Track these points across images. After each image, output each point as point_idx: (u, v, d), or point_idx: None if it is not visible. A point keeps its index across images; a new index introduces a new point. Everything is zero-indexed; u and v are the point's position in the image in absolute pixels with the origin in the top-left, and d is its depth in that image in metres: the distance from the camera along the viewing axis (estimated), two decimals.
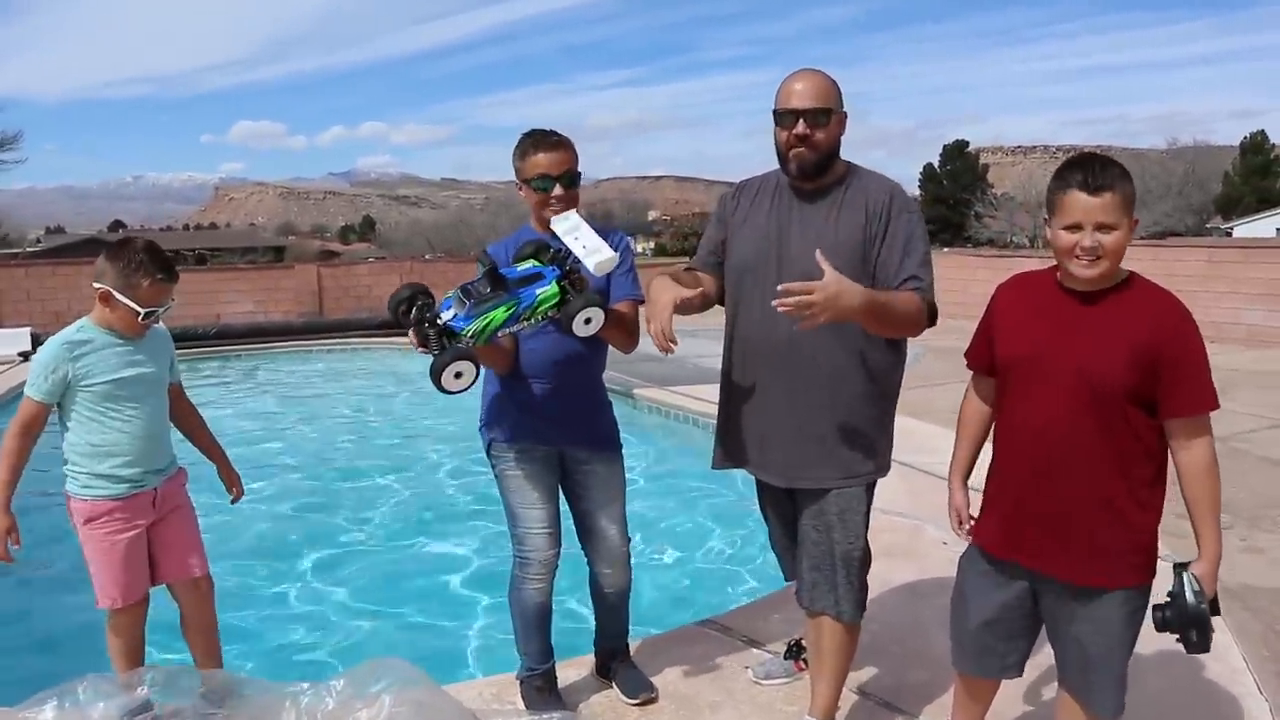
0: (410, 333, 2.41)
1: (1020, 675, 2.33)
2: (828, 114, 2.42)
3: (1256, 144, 51.34)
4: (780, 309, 2.10)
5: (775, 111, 2.46)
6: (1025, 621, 2.24)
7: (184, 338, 12.67)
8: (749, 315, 2.52)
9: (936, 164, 61.14)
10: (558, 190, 2.65)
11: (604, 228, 2.60)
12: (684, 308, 2.44)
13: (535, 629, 2.86)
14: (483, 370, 2.43)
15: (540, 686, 2.89)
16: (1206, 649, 2.04)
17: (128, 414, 2.70)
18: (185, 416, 2.97)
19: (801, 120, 2.40)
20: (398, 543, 5.28)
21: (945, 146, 61.70)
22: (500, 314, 2.37)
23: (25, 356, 11.48)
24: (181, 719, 2.43)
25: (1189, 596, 2.01)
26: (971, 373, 2.35)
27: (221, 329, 13.26)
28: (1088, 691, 2.15)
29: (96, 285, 2.65)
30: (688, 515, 5.45)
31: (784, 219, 2.50)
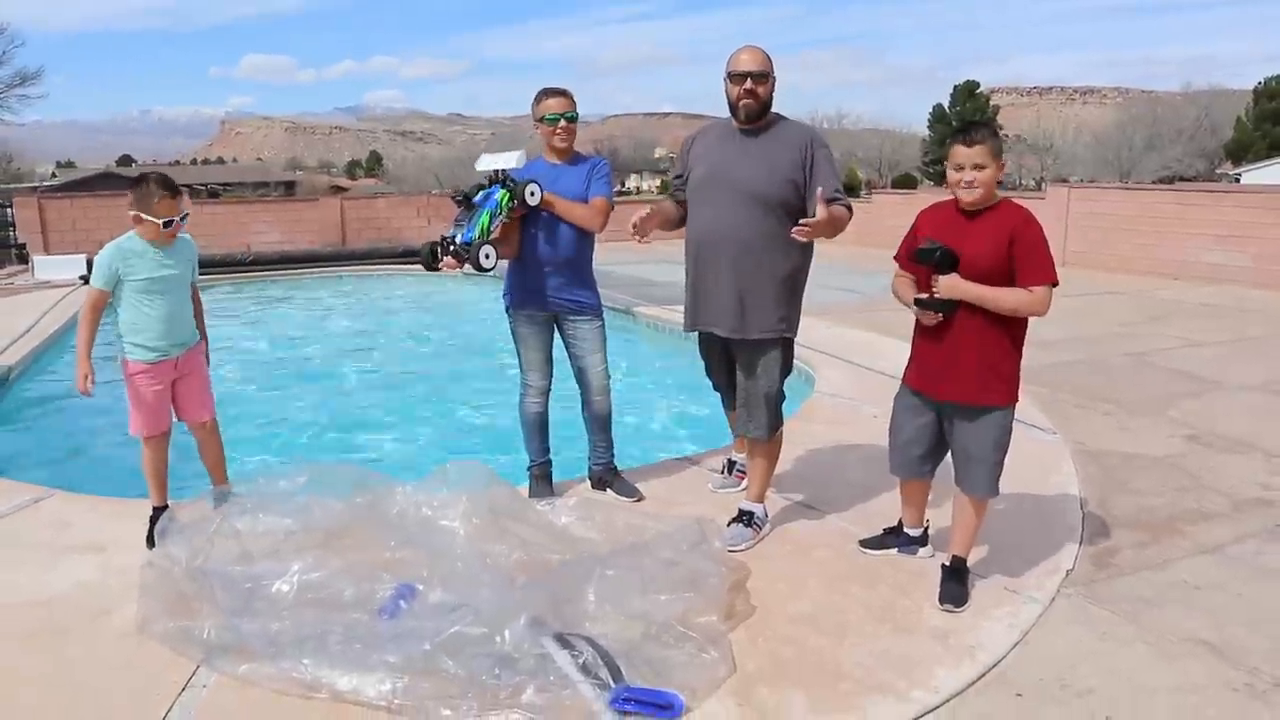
0: (445, 261, 3.75)
1: (931, 478, 3.40)
2: (766, 76, 3.47)
3: (1271, 90, 50.84)
4: (799, 235, 3.19)
5: (728, 74, 3.50)
6: (935, 438, 3.27)
7: (224, 263, 13.74)
8: (702, 218, 3.58)
9: (946, 105, 61.09)
10: (562, 124, 3.89)
11: (582, 156, 4.01)
12: (661, 215, 3.65)
13: (534, 433, 4.13)
14: (500, 258, 3.80)
15: (539, 475, 4.16)
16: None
17: (157, 303, 3.69)
18: (194, 304, 3.94)
19: (749, 79, 3.44)
20: (452, 390, 7.23)
21: (955, 87, 61.49)
22: (485, 218, 3.71)
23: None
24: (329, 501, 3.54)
25: (930, 245, 3.02)
26: (898, 266, 3.33)
27: (256, 256, 14.30)
28: (969, 479, 3.18)
29: (130, 212, 3.68)
30: (672, 396, 6.87)
31: (731, 150, 3.54)
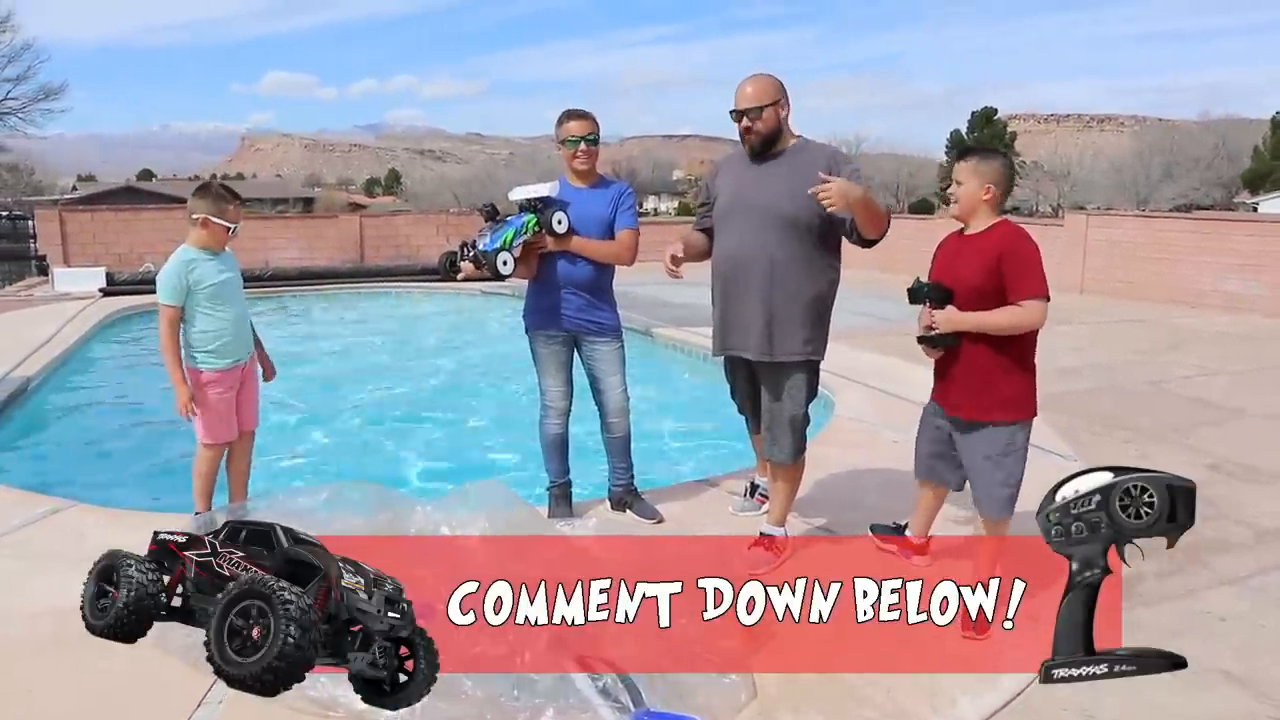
0: (465, 265, 3.80)
1: (958, 490, 3.46)
2: (761, 109, 3.45)
3: None
4: (816, 193, 3.14)
5: (731, 110, 3.52)
6: (948, 447, 3.35)
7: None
8: (728, 243, 3.59)
9: (964, 131, 61.21)
10: (582, 146, 3.87)
11: (605, 178, 4.02)
12: (690, 248, 3.64)
13: (554, 453, 4.12)
14: (515, 267, 3.85)
15: (558, 495, 4.14)
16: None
17: (228, 307, 3.79)
18: None
19: (745, 116, 3.47)
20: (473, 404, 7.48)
21: (973, 114, 61.77)
22: (510, 233, 3.78)
23: (104, 293, 12.61)
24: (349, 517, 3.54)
25: (917, 284, 3.20)
26: None
27: (275, 271, 14.36)
28: (980, 500, 3.28)
29: (195, 215, 3.73)
30: (692, 417, 6.83)
31: (752, 176, 3.56)
